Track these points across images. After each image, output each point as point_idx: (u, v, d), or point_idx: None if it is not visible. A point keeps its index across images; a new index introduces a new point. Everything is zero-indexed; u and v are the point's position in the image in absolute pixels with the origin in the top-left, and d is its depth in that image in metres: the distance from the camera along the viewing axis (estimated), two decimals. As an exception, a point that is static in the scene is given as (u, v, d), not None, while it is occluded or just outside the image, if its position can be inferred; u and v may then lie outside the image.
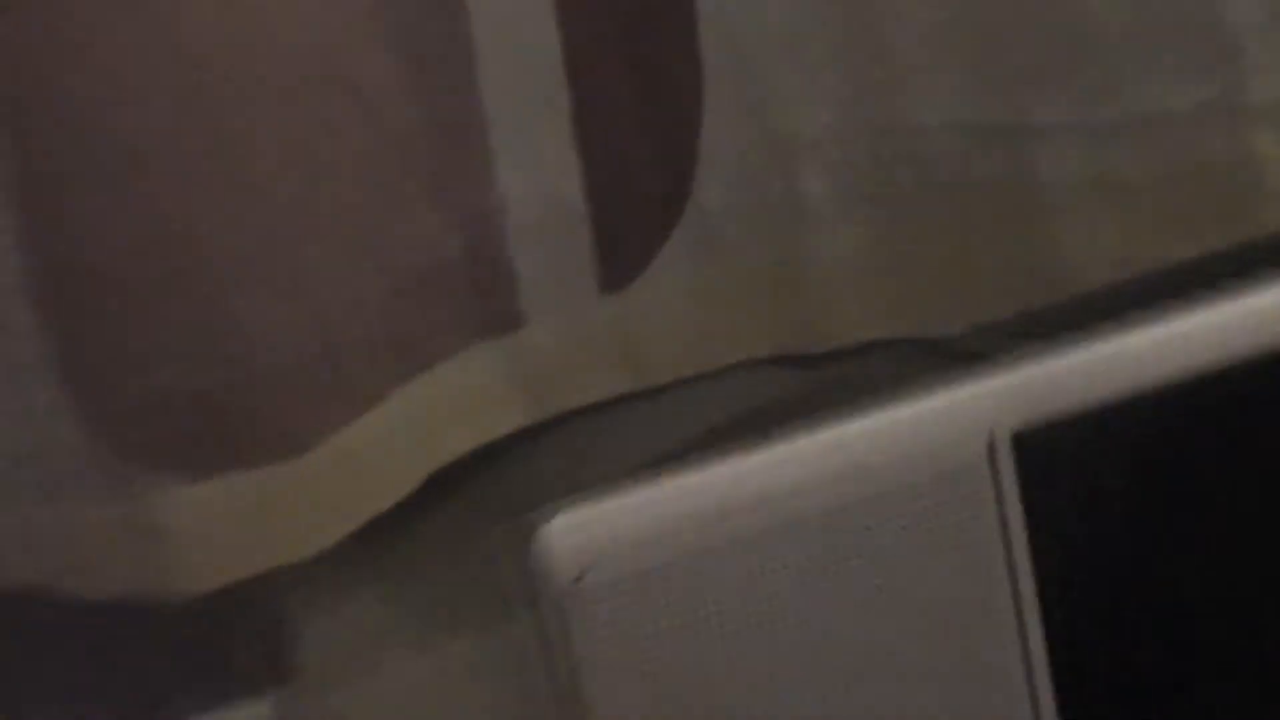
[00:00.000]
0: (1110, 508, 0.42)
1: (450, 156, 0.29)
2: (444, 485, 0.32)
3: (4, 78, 0.26)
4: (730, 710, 0.32)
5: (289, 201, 0.27)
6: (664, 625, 0.31)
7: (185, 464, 0.29)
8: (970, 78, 0.30)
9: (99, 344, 0.28)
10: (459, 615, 0.34)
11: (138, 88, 0.26)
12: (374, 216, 0.28)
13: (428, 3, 0.29)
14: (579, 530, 0.27)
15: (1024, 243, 0.33)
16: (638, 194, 0.31)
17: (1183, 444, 0.42)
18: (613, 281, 0.32)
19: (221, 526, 0.30)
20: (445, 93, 0.29)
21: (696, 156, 0.32)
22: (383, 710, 0.35)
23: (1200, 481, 0.43)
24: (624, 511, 0.28)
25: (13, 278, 0.29)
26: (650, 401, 0.34)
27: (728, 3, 0.31)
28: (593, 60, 0.31)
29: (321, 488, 0.30)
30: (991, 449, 0.36)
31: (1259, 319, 0.37)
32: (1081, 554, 0.43)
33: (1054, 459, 0.39)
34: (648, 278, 0.33)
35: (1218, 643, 0.47)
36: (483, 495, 0.33)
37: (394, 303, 0.29)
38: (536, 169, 0.30)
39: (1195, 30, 0.30)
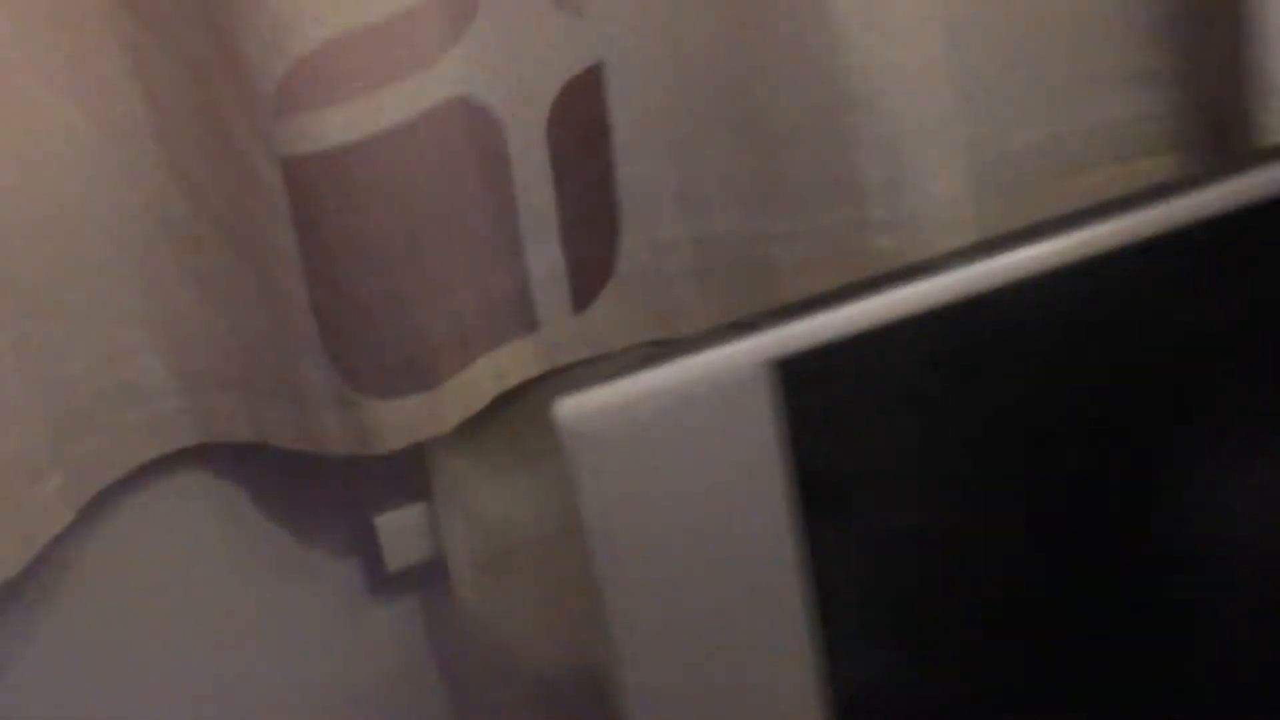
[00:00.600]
0: (869, 425, 0.56)
1: (504, 239, 0.63)
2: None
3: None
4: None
5: (451, 249, 0.60)
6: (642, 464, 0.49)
7: (382, 391, 0.61)
8: (737, 200, 0.65)
9: (343, 317, 0.59)
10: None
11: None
12: (478, 266, 0.61)
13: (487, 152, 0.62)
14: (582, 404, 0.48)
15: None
16: (589, 265, 0.66)
17: (932, 369, 0.55)
18: (579, 307, 0.66)
19: (400, 419, 0.62)
20: (505, 203, 0.62)
21: (617, 248, 0.66)
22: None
23: (948, 402, 0.56)
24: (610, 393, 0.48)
25: (294, 266, 0.58)
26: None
27: (636, 165, 0.65)
28: (566, 189, 0.64)
29: (448, 399, 0.62)
30: (760, 376, 0.49)
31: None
32: (842, 464, 0.57)
33: (814, 383, 0.52)
34: (594, 307, 0.67)
35: (972, 556, 0.62)
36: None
37: (485, 313, 0.62)
38: (541, 249, 0.64)
39: (842, 179, 0.63)
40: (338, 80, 0.56)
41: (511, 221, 0.63)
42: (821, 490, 0.55)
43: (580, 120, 0.63)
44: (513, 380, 0.65)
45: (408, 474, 0.68)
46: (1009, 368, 0.57)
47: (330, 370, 0.61)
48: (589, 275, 0.66)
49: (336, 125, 0.56)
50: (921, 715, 0.64)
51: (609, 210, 0.66)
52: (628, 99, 0.63)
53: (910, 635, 0.62)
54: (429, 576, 0.72)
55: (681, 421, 0.49)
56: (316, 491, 0.70)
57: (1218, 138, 0.71)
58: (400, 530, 0.71)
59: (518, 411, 0.67)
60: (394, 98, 0.57)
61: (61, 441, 0.61)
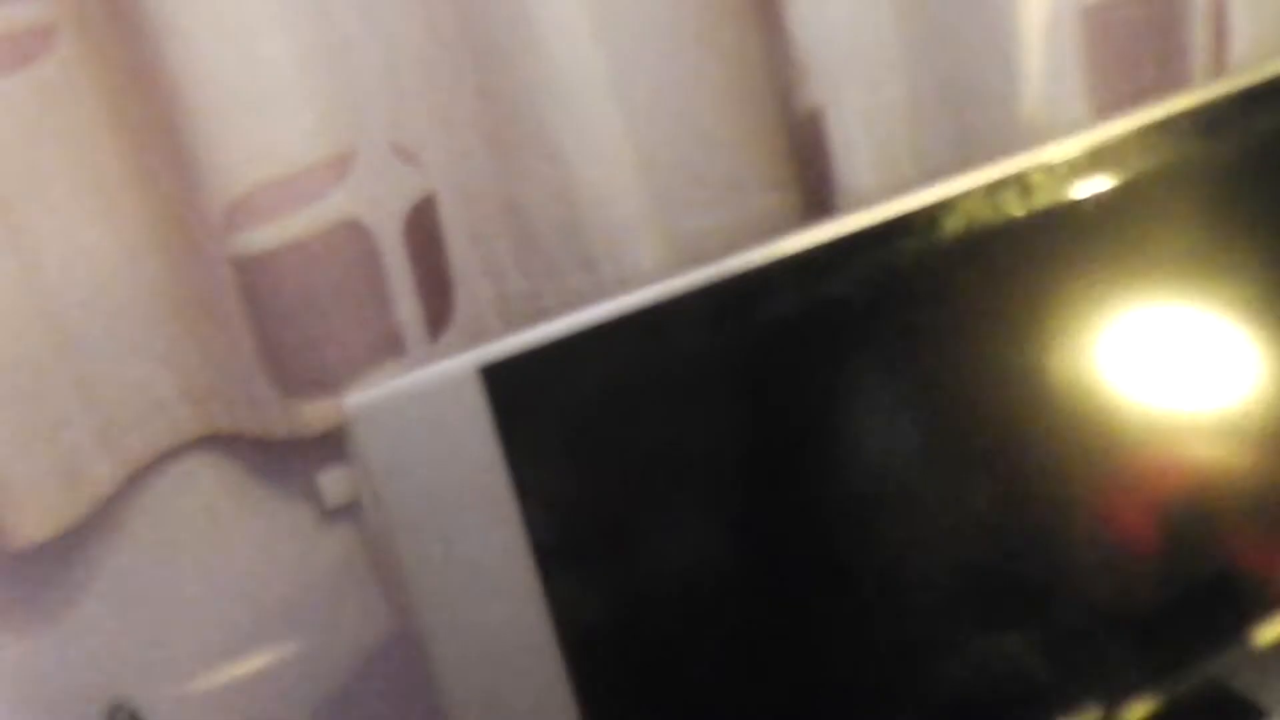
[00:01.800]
0: (579, 429, 0.69)
1: (379, 300, 0.93)
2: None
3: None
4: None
5: (345, 309, 0.98)
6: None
7: (306, 397, 0.97)
8: (521, 270, 1.01)
9: (278, 354, 0.87)
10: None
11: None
12: (363, 318, 0.98)
13: (366, 250, 1.00)
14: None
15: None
16: (437, 313, 1.00)
17: (635, 371, 0.69)
18: (432, 338, 0.99)
19: (318, 414, 0.98)
20: (379, 278, 0.98)
21: (453, 301, 1.03)
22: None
23: (656, 403, 0.71)
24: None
25: (245, 324, 0.88)
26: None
27: (460, 249, 1.01)
28: (417, 268, 0.93)
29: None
30: (472, 379, 0.65)
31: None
32: (556, 464, 0.71)
33: (523, 388, 0.67)
34: (443, 338, 1.00)
35: (691, 542, 0.75)
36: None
37: (368, 346, 0.94)
38: (404, 304, 0.96)
39: (581, 251, 0.99)
40: (266, 208, 0.84)
41: (384, 288, 0.93)
42: (535, 475, 0.69)
43: (424, 227, 0.95)
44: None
45: (338, 445, 0.95)
46: (679, 373, 0.74)
47: (273, 387, 0.92)
48: (437, 319, 0.97)
49: (267, 236, 0.84)
50: (640, 644, 0.79)
51: (446, 279, 0.97)
52: (453, 212, 1.00)
53: (623, 586, 0.77)
54: (356, 513, 1.05)
55: (423, 416, 0.67)
56: (277, 462, 1.01)
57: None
58: (335, 481, 1.01)
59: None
60: (303, 218, 0.86)
61: (110, 438, 0.90)
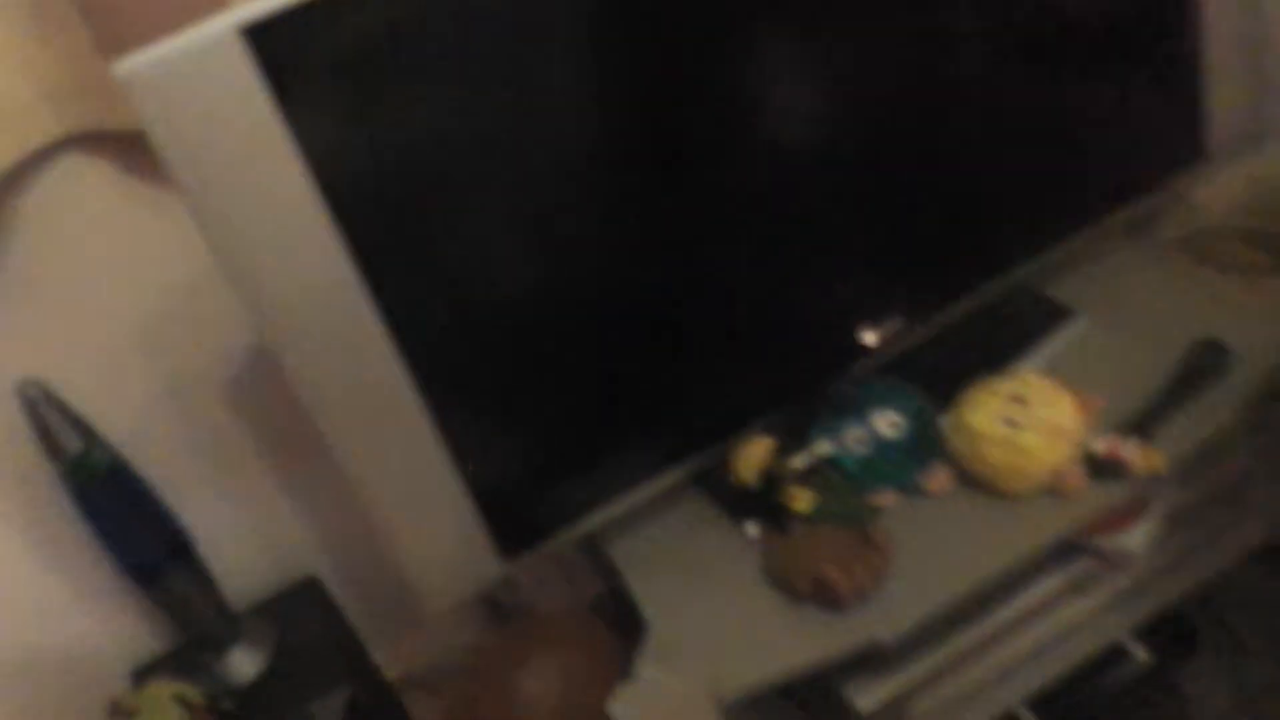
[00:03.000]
0: (350, 78, 0.74)
1: None
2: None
3: None
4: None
5: None
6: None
7: None
8: None
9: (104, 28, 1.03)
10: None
11: None
12: None
13: None
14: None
15: None
16: None
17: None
18: None
19: None
20: None
21: None
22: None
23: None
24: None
25: None
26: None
27: None
28: None
29: None
30: (236, 42, 0.71)
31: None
32: (331, 113, 0.76)
33: (286, 44, 0.71)
34: None
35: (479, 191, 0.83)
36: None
37: None
38: None
39: None
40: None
41: None
42: (312, 126, 0.74)
43: None
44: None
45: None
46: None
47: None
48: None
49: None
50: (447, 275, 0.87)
51: None
52: None
53: (422, 226, 0.84)
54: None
55: (194, 78, 0.71)
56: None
57: None
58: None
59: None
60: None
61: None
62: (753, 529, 1.08)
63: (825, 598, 0.99)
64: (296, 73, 0.79)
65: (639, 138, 0.94)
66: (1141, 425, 1.05)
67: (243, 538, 1.30)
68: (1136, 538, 1.09)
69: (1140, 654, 1.21)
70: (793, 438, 1.06)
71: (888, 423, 1.04)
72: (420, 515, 0.96)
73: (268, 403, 1.24)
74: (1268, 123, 1.25)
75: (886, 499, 1.06)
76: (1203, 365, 1.09)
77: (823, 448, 1.04)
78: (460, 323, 0.91)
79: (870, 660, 1.03)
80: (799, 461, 1.03)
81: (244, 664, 1.19)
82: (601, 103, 0.91)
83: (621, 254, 0.97)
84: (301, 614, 1.26)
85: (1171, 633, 1.25)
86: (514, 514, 1.00)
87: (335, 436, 0.89)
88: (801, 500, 1.03)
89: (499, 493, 0.98)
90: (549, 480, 1.01)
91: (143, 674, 1.25)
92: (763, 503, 1.05)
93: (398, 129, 0.83)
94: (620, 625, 1.25)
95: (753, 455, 1.04)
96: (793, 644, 0.98)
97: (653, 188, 0.96)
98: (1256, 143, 1.25)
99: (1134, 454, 1.02)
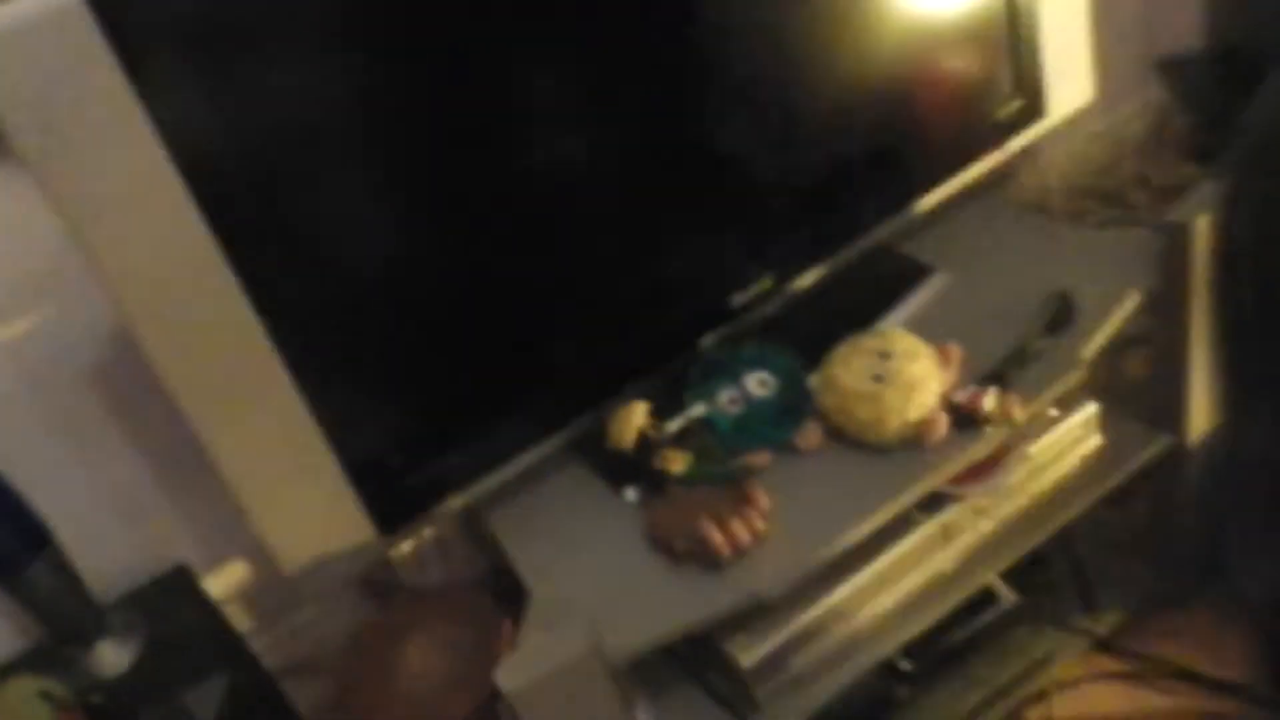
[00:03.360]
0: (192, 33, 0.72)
1: None
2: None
3: None
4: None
5: None
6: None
7: None
8: None
9: None
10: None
11: None
12: None
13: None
14: None
15: None
16: None
17: None
18: None
19: None
20: None
21: None
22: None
23: None
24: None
25: None
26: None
27: None
28: None
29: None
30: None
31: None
32: (175, 71, 0.74)
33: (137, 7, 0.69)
34: None
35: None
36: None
37: None
38: None
39: None
40: None
41: None
42: (168, 99, 0.73)
43: None
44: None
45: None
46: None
47: None
48: None
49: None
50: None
51: None
52: None
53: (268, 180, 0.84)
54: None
55: (41, 46, 0.70)
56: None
57: None
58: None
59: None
60: None
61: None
62: (631, 493, 1.09)
63: (705, 557, 1.00)
64: (145, 38, 0.76)
65: (501, 106, 0.94)
66: (999, 375, 1.09)
67: (107, 528, 1.26)
68: (999, 484, 1.13)
69: (1007, 596, 1.26)
70: (667, 401, 1.07)
71: (758, 382, 1.06)
72: (295, 494, 0.94)
73: (128, 386, 1.20)
74: (1104, 81, 1.31)
75: (761, 458, 1.08)
76: (1054, 314, 1.13)
77: (696, 410, 1.06)
78: (324, 295, 0.90)
79: (751, 616, 1.05)
80: (674, 424, 1.05)
81: (112, 657, 1.15)
82: (457, 65, 0.90)
83: (486, 223, 0.98)
84: (173, 603, 1.23)
85: (1034, 574, 1.31)
86: (391, 489, 0.99)
87: (200, 417, 0.87)
88: (677, 462, 1.04)
89: (374, 468, 0.97)
90: (425, 453, 1.01)
91: (4, 672, 1.20)
92: (640, 467, 1.06)
93: (253, 95, 0.81)
94: (506, 599, 1.25)
95: (628, 420, 1.05)
96: (675, 604, 0.99)
97: (518, 155, 0.96)
98: (1090, 102, 1.30)
99: (993, 403, 1.06)
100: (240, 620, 1.34)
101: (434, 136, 0.91)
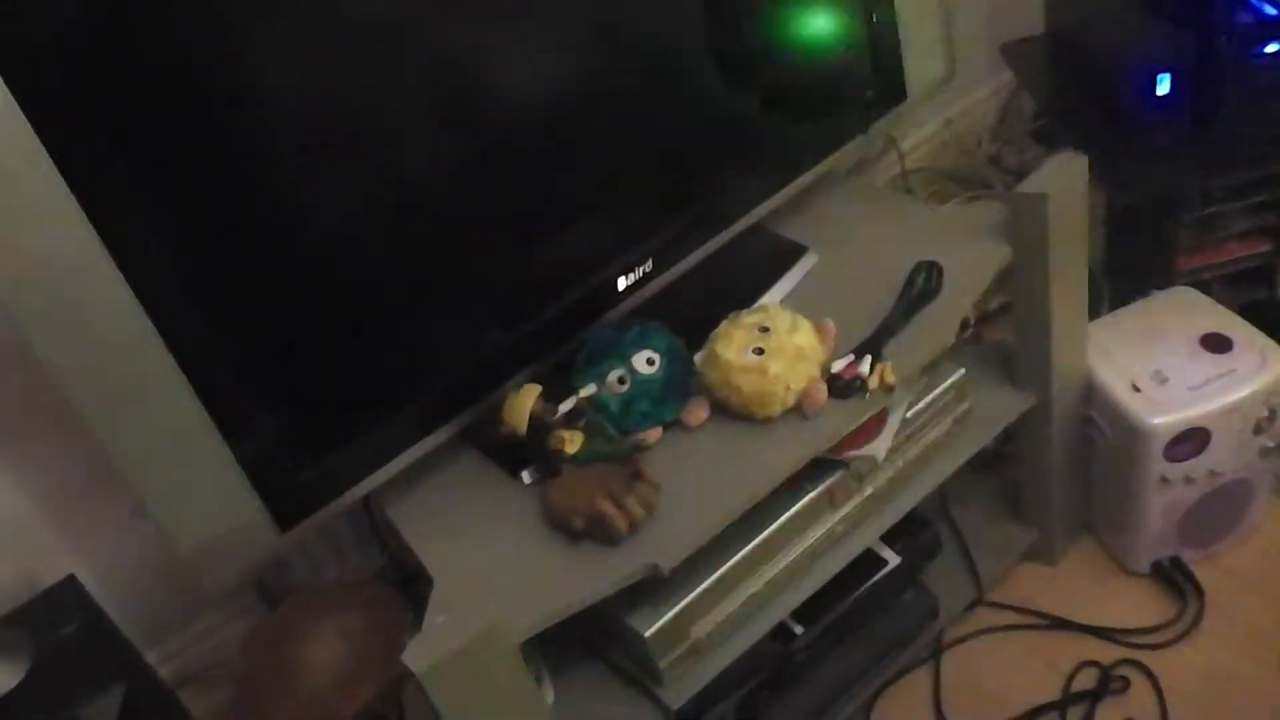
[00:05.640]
0: None
1: None
2: None
3: None
4: None
5: None
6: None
7: None
8: None
9: None
10: None
11: None
12: None
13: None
14: None
15: None
16: None
17: None
18: None
19: None
20: None
21: None
22: None
23: None
24: None
25: None
26: None
27: None
28: None
29: None
30: None
31: None
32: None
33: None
34: None
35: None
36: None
37: None
38: None
39: None
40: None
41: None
42: (38, 85, 0.73)
43: None
44: None
45: None
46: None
47: None
48: None
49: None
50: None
51: None
52: None
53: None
54: None
55: None
56: None
57: None
58: None
59: None
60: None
61: None
62: (527, 476, 1.11)
63: (601, 533, 1.03)
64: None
65: (374, 96, 0.95)
66: (873, 344, 1.14)
67: (-11, 543, 1.23)
68: (878, 449, 1.18)
69: (890, 557, 1.31)
70: (558, 384, 1.09)
71: (645, 361, 1.09)
72: (191, 494, 0.94)
73: (6, 398, 1.18)
74: (957, 68, 1.38)
75: (651, 435, 1.11)
76: (922, 285, 1.19)
77: (586, 390, 1.08)
78: (208, 289, 0.90)
79: (649, 588, 1.08)
80: (564, 406, 1.07)
81: None
82: (323, 51, 0.91)
83: (371, 216, 0.98)
84: (62, 618, 1.21)
85: (917, 536, 1.37)
86: (288, 484, 0.99)
87: (90, 417, 0.86)
88: (570, 443, 1.07)
89: (271, 464, 0.97)
90: (319, 449, 1.01)
91: (-113, 702, 1.16)
92: (533, 450, 1.08)
93: (132, 75, 0.80)
94: (407, 590, 1.26)
95: (520, 404, 1.07)
96: (575, 580, 1.02)
97: (396, 148, 0.97)
98: (948, 86, 1.37)
99: (868, 371, 1.11)
100: (136, 632, 1.32)
101: (317, 125, 0.92)
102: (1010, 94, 1.98)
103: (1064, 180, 1.16)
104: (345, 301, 0.99)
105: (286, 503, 1.00)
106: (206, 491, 0.94)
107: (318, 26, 0.90)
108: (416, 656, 0.90)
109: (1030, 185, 1.17)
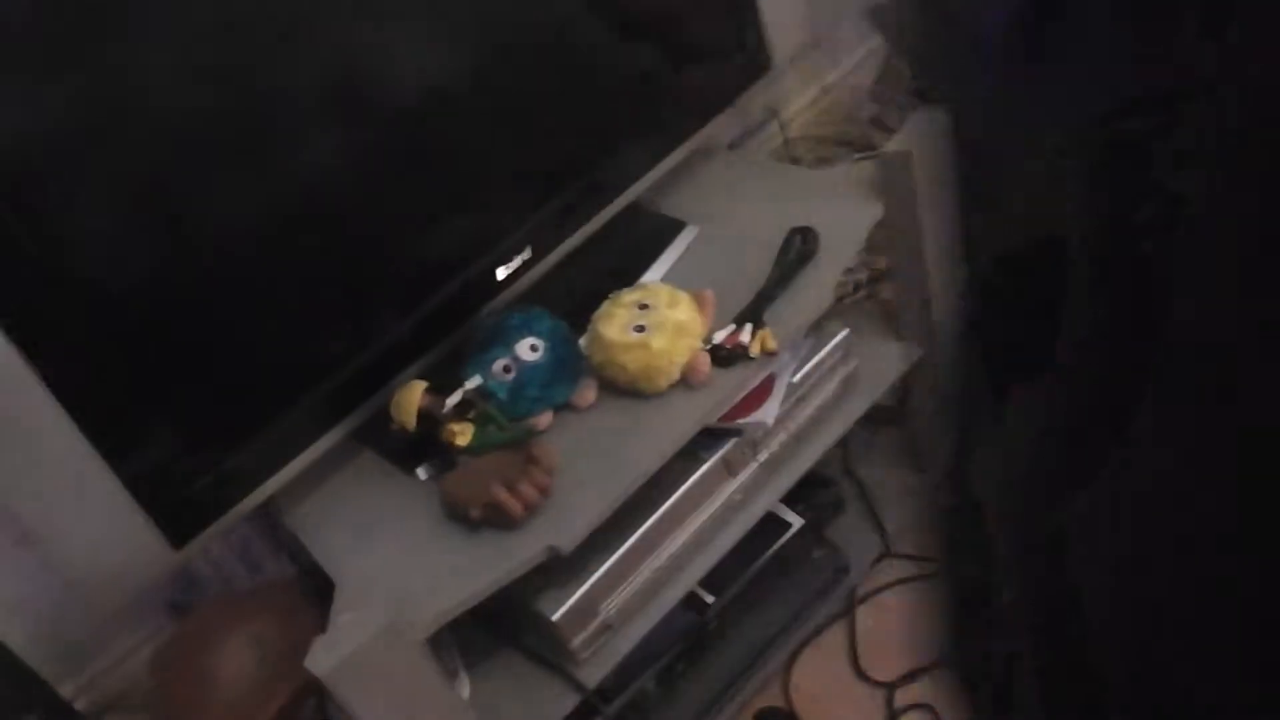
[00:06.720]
0: None
1: None
2: None
3: None
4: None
5: None
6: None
7: None
8: None
9: None
10: None
11: None
12: None
13: None
14: None
15: None
16: None
17: None
18: None
19: None
20: None
21: None
22: None
23: None
24: None
25: None
26: None
27: None
28: None
29: None
30: None
31: None
32: None
33: None
34: None
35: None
36: None
37: None
38: None
39: None
40: None
41: None
42: None
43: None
44: None
45: None
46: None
47: None
48: None
49: None
50: None
51: None
52: None
53: None
54: None
55: None
56: None
57: None
58: None
59: None
60: None
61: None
62: (422, 473, 1.12)
63: (499, 520, 1.04)
64: None
65: (242, 90, 0.95)
66: (754, 311, 1.17)
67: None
68: (768, 414, 1.21)
69: (793, 519, 1.34)
70: (446, 378, 1.10)
71: (529, 347, 1.10)
72: (77, 519, 0.93)
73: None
74: (820, 33, 1.40)
75: (543, 420, 1.12)
76: (798, 250, 1.22)
77: (472, 381, 1.09)
78: (69, 315, 0.89)
79: (554, 571, 1.09)
80: (451, 399, 1.08)
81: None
82: (195, 42, 0.91)
83: (245, 220, 0.98)
84: (-32, 658, 1.19)
85: (819, 497, 1.39)
86: (176, 501, 0.99)
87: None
88: (461, 435, 1.08)
89: (157, 482, 0.97)
90: (206, 460, 1.01)
91: None
92: (426, 445, 1.09)
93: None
94: (319, 596, 1.26)
95: (408, 401, 1.08)
96: (477, 568, 1.03)
97: (267, 145, 0.97)
98: (817, 52, 1.39)
99: (750, 338, 1.13)
100: (45, 663, 1.31)
101: (185, 119, 0.92)
102: (886, 56, 2.02)
103: (928, 136, 1.19)
104: (224, 309, 0.99)
105: (177, 519, 0.99)
106: (94, 515, 0.94)
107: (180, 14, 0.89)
108: (319, 659, 0.90)
109: (895, 144, 1.20)
